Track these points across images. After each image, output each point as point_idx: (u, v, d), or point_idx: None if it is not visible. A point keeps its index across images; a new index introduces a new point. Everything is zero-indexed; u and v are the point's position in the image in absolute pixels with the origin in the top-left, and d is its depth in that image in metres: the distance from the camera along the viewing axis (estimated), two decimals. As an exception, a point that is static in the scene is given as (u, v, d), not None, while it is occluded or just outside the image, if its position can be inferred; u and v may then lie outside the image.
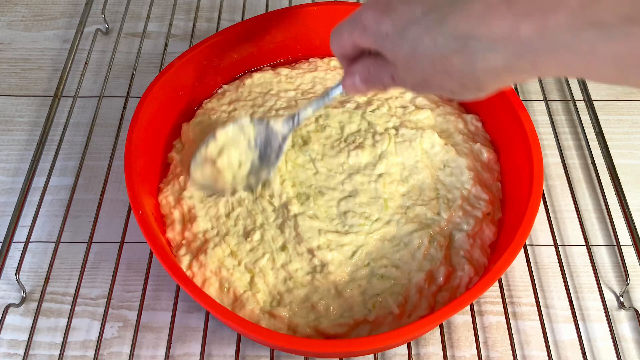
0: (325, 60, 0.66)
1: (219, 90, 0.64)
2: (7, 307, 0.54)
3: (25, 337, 0.54)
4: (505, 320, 0.53)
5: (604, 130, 0.64)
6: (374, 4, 0.36)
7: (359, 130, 0.58)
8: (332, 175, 0.55)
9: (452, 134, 0.59)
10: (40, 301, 0.54)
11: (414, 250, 0.51)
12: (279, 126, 0.51)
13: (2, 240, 0.59)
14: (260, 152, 0.52)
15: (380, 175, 0.55)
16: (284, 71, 0.64)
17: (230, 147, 0.51)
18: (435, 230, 0.52)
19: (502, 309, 0.54)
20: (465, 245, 0.52)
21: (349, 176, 0.55)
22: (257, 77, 0.64)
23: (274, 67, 0.66)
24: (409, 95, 0.61)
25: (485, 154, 0.57)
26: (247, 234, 0.52)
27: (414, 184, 0.55)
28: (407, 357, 0.51)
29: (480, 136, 0.60)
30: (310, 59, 0.66)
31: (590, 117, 0.65)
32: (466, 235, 0.52)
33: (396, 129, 0.58)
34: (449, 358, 0.52)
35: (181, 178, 0.56)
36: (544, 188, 0.62)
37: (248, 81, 0.64)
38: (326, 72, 0.64)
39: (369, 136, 0.57)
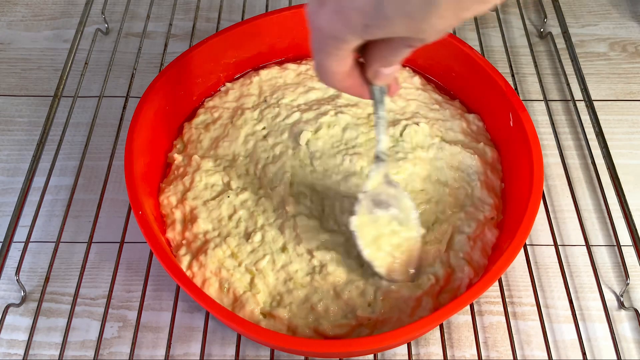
0: None
1: (222, 89, 0.64)
2: (7, 307, 0.54)
3: (25, 337, 0.54)
4: (505, 320, 0.53)
5: (604, 130, 0.64)
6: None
7: (357, 136, 0.58)
8: (329, 175, 0.55)
9: (457, 134, 0.59)
10: (40, 301, 0.54)
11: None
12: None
13: (2, 240, 0.59)
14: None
15: None
16: (291, 66, 0.64)
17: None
18: (436, 233, 0.52)
19: (502, 309, 0.54)
20: (466, 247, 0.52)
21: (345, 177, 0.55)
22: (264, 73, 0.64)
23: (279, 64, 0.66)
24: (411, 106, 0.61)
25: (490, 153, 0.57)
26: (248, 235, 0.52)
27: (413, 189, 0.55)
28: (407, 357, 0.51)
29: (482, 136, 0.60)
30: None
31: (590, 117, 0.65)
32: (467, 237, 0.52)
33: (396, 142, 0.57)
34: (449, 358, 0.52)
35: (185, 179, 0.56)
36: (544, 188, 0.62)
37: (256, 78, 0.64)
38: None
39: (368, 147, 0.57)
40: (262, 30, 0.63)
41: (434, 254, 0.51)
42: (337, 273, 0.50)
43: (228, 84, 0.64)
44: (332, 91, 0.62)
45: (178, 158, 0.58)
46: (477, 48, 0.72)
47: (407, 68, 0.65)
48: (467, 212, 0.54)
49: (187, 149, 0.59)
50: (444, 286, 0.50)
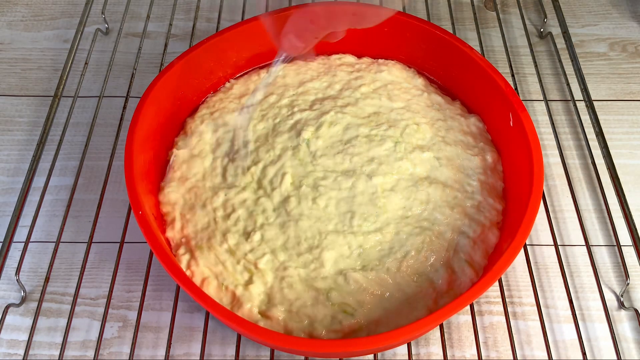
0: (334, 57, 0.66)
1: (222, 88, 0.64)
2: (7, 307, 0.54)
3: (25, 337, 0.54)
4: (505, 320, 0.53)
5: (604, 130, 0.64)
6: None
7: (357, 136, 0.58)
8: (329, 175, 0.55)
9: (457, 135, 0.59)
10: (40, 301, 0.54)
11: (414, 253, 0.51)
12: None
13: (2, 240, 0.59)
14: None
15: (377, 182, 0.55)
16: (291, 66, 0.65)
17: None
18: (436, 234, 0.52)
19: (502, 309, 0.54)
20: (467, 249, 0.52)
21: (346, 177, 0.55)
22: (264, 73, 0.64)
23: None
24: (412, 107, 0.61)
25: (490, 154, 0.57)
26: (247, 234, 0.52)
27: (413, 190, 0.55)
28: (407, 357, 0.51)
29: (482, 137, 0.60)
30: (322, 56, 0.66)
31: (590, 117, 0.65)
32: (468, 238, 0.52)
33: (396, 143, 0.57)
34: (449, 358, 0.52)
35: (185, 178, 0.56)
36: (544, 188, 0.62)
37: (256, 78, 0.64)
38: (337, 68, 0.64)
39: (368, 146, 0.57)
40: (262, 30, 0.63)
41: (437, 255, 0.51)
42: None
43: (232, 80, 0.64)
44: (332, 91, 0.62)
45: (179, 156, 0.58)
46: (477, 48, 0.72)
47: (412, 69, 0.65)
48: (467, 214, 0.54)
49: (187, 147, 0.59)
50: (447, 289, 0.50)
